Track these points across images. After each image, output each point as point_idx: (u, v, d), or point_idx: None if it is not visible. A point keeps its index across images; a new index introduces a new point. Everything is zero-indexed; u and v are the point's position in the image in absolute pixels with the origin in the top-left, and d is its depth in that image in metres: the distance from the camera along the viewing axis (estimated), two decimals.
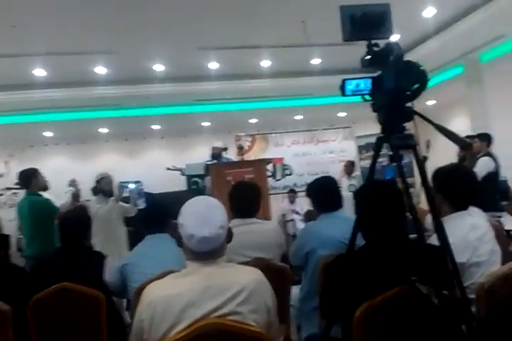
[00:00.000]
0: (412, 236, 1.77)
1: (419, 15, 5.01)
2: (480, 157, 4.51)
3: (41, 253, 3.71)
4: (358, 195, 1.82)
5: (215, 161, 5.43)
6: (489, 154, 4.54)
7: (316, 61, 6.31)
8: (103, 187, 4.55)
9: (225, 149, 5.62)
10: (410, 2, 4.47)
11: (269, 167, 5.49)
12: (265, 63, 6.38)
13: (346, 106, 8.27)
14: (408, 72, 1.72)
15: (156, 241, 2.35)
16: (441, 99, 7.93)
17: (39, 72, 5.57)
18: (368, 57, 1.84)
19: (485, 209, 2.13)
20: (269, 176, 5.42)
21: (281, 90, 7.14)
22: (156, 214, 2.46)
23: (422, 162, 1.74)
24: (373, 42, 1.83)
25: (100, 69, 5.79)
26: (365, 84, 1.86)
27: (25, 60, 5.01)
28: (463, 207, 1.97)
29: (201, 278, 1.39)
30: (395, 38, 6.01)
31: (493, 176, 4.43)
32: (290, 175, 7.74)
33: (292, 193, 7.81)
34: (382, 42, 1.82)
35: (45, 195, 4.36)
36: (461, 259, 1.78)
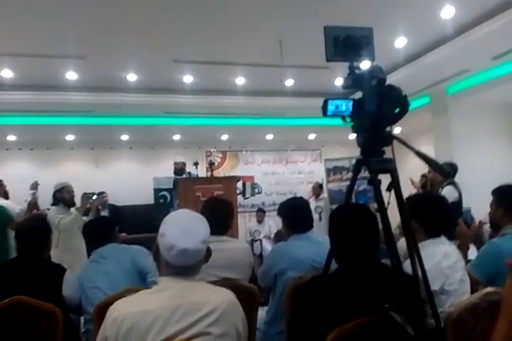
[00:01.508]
0: (383, 261, 1.76)
1: (391, 45, 5.17)
2: (444, 186, 4.60)
3: None
4: (333, 216, 1.79)
5: (178, 176, 5.34)
6: (453, 183, 4.63)
7: (289, 82, 6.39)
8: (64, 197, 4.35)
9: (196, 164, 5.54)
10: (383, 31, 4.59)
11: (239, 184, 5.45)
12: (240, 80, 6.40)
13: (316, 128, 8.41)
14: (390, 96, 1.73)
15: (104, 255, 2.31)
16: (406, 128, 8.12)
17: (5, 73, 5.36)
18: (350, 78, 1.84)
19: (450, 237, 2.15)
20: (239, 194, 5.37)
21: (254, 108, 7.18)
22: (100, 227, 2.47)
23: (399, 187, 1.72)
24: (355, 64, 1.84)
25: (71, 75, 5.63)
26: (346, 106, 1.86)
27: None
28: (437, 234, 1.98)
29: (173, 295, 1.33)
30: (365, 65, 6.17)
31: (457, 205, 4.51)
32: (259, 193, 7.73)
33: (261, 213, 7.74)
34: (363, 65, 1.85)
35: (6, 201, 4.17)
36: (433, 287, 1.77)
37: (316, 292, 1.59)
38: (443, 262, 1.87)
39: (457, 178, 4.73)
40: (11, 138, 7.79)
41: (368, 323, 1.39)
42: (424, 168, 5.00)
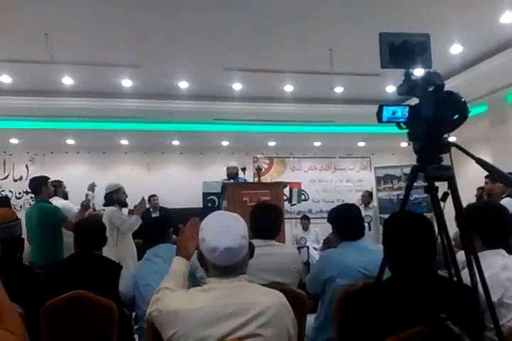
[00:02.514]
0: (440, 272, 1.72)
1: (446, 52, 5.04)
2: (503, 197, 4.40)
3: (47, 262, 3.68)
4: (388, 223, 1.77)
5: (231, 181, 5.40)
6: None
7: (338, 89, 6.35)
8: (120, 198, 4.48)
9: (244, 169, 5.60)
10: (438, 38, 4.48)
11: (286, 191, 5.44)
12: (288, 88, 6.42)
13: (365, 136, 8.28)
14: (448, 102, 1.69)
15: (157, 254, 2.39)
16: (462, 136, 7.85)
17: (67, 81, 5.66)
18: (406, 84, 1.82)
19: (509, 252, 2.05)
20: (285, 200, 5.36)
21: (302, 115, 7.17)
22: (153, 227, 2.56)
23: (442, 196, 1.67)
24: (413, 70, 1.82)
25: (126, 82, 5.87)
26: (402, 112, 1.84)
27: (54, 67, 5.10)
28: (496, 245, 1.90)
29: (222, 294, 1.35)
30: (419, 72, 6.05)
31: None
32: (306, 200, 7.67)
33: (305, 220, 7.67)
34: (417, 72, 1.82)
35: (65, 202, 4.39)
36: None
37: (368, 299, 1.56)
38: (502, 274, 1.79)
39: None
40: (70, 142, 8.21)
41: (423, 333, 1.36)
42: (480, 177, 4.82)
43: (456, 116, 1.71)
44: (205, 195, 5.24)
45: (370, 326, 1.49)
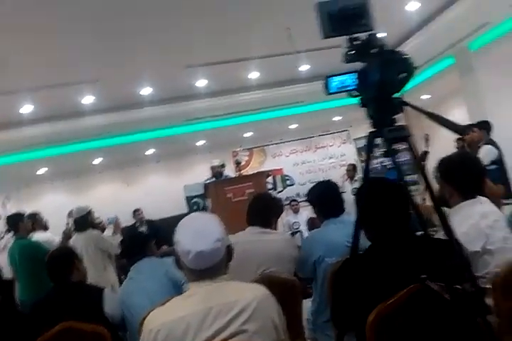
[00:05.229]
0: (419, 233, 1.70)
1: (402, 10, 4.95)
2: (481, 145, 4.41)
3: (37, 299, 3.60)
4: (358, 193, 1.75)
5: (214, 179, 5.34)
6: (491, 142, 4.44)
7: (304, 67, 6.28)
8: (93, 220, 4.33)
9: (223, 166, 5.54)
10: None
11: (270, 179, 5.40)
12: (253, 75, 6.36)
13: (341, 109, 8.23)
14: (392, 61, 1.65)
15: (141, 270, 2.36)
16: (435, 93, 7.88)
17: (26, 109, 5.53)
18: (351, 51, 1.77)
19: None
20: (271, 189, 5.32)
21: (273, 100, 7.11)
22: (133, 243, 2.52)
23: (422, 155, 1.67)
24: (354, 36, 1.76)
25: (88, 99, 5.76)
26: (351, 80, 1.80)
27: (13, 97, 4.97)
28: (472, 196, 1.90)
29: (202, 298, 1.33)
30: (380, 35, 6.00)
31: (498, 163, 4.32)
32: (292, 185, 7.63)
33: (294, 202, 7.60)
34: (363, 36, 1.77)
35: (45, 235, 4.30)
36: (474, 248, 1.74)
37: (350, 273, 1.56)
38: (481, 222, 1.80)
39: (494, 136, 4.52)
40: (42, 171, 7.96)
41: (405, 298, 1.35)
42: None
43: (403, 75, 1.66)
44: (188, 198, 5.18)
45: (358, 299, 1.49)
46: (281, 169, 6.59)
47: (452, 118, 7.70)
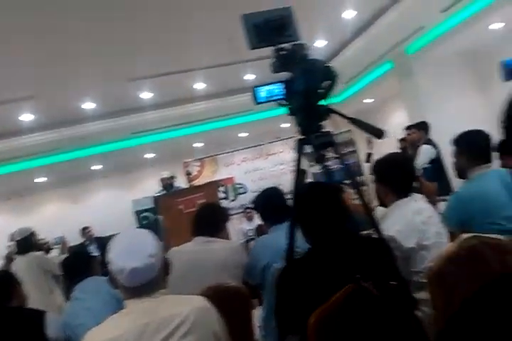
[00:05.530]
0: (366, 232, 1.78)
1: (339, 18, 5.13)
2: (420, 145, 4.61)
3: None
4: (293, 198, 1.78)
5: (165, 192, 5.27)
6: (429, 141, 4.65)
7: (250, 76, 6.35)
8: (36, 241, 4.14)
9: (173, 177, 5.48)
10: (329, 6, 4.54)
11: (222, 188, 5.40)
12: (199, 85, 6.37)
13: (288, 117, 8.35)
14: (315, 70, 1.71)
15: (85, 290, 2.28)
16: (377, 97, 8.12)
17: None
18: (277, 62, 1.82)
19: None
20: (223, 198, 5.32)
21: (221, 110, 7.15)
22: (74, 263, 2.45)
23: (366, 156, 1.74)
24: (280, 46, 1.82)
25: (26, 117, 5.56)
26: (279, 89, 1.85)
27: None
28: (405, 194, 1.97)
29: (139, 315, 1.31)
30: (320, 43, 6.20)
31: (437, 162, 4.52)
32: (245, 193, 7.63)
33: (248, 210, 7.32)
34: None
35: None
36: (409, 244, 1.80)
37: (291, 277, 1.58)
38: (416, 218, 1.87)
39: (433, 137, 4.73)
40: None
41: (342, 298, 1.38)
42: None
43: (326, 83, 1.72)
44: (138, 213, 5.09)
45: (299, 302, 1.50)
46: (232, 178, 6.58)
47: (395, 121, 7.98)
